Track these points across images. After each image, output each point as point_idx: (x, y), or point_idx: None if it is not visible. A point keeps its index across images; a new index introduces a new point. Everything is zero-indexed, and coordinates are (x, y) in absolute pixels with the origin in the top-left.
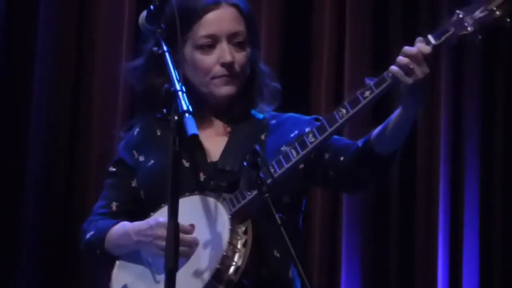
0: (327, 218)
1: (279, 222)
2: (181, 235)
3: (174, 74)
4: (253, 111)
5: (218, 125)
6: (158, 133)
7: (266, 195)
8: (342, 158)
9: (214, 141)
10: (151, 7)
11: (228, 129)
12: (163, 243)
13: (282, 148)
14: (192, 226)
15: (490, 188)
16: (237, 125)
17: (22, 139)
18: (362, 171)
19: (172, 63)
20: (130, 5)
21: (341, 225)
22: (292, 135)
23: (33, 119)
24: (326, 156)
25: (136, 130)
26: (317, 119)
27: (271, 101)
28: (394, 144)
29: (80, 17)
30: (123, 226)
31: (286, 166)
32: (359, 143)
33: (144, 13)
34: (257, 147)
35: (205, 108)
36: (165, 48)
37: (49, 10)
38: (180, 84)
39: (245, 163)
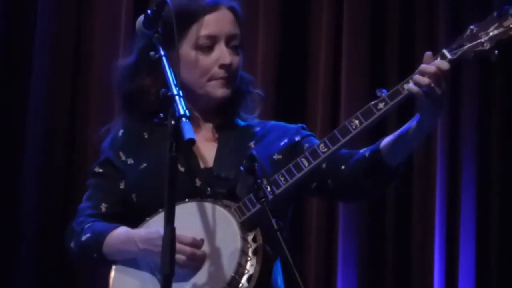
0: (323, 224)
1: (275, 227)
2: (193, 250)
3: (171, 78)
4: (236, 119)
5: (207, 130)
6: (145, 136)
7: (263, 200)
8: (343, 167)
9: (204, 146)
10: (148, 11)
11: (216, 135)
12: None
13: (274, 157)
14: (202, 240)
15: (487, 191)
16: (224, 132)
17: (19, 141)
18: (365, 181)
19: (169, 67)
20: (127, 6)
21: (338, 231)
22: (282, 143)
23: (30, 122)
24: (324, 165)
25: (121, 131)
26: (303, 128)
27: (254, 109)
28: (404, 155)
29: (77, 19)
30: (126, 232)
31: (298, 175)
32: (365, 152)
33: (141, 17)
34: (253, 152)
35: (195, 112)
36: (162, 52)
37: (46, 12)
38: (177, 88)
39: (241, 168)
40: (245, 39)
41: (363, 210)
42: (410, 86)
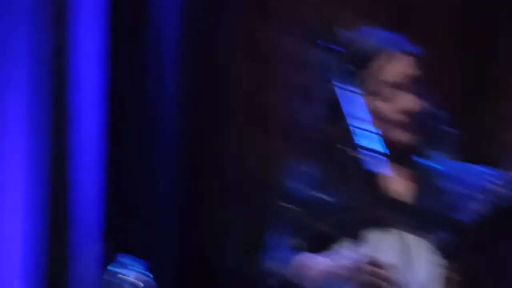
0: None
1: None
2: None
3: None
4: (421, 157)
5: (399, 168)
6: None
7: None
8: None
9: (396, 181)
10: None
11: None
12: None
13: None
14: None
15: None
16: (416, 171)
17: None
18: None
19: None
20: None
21: None
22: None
23: None
24: None
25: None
26: None
27: (442, 147)
28: None
29: None
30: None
31: None
32: None
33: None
34: None
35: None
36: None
37: None
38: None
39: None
40: (428, 75)
41: None
42: None
